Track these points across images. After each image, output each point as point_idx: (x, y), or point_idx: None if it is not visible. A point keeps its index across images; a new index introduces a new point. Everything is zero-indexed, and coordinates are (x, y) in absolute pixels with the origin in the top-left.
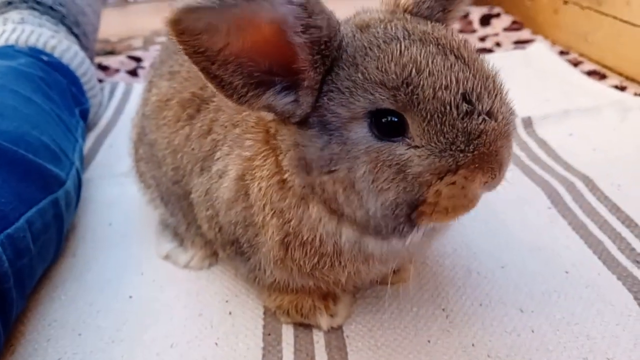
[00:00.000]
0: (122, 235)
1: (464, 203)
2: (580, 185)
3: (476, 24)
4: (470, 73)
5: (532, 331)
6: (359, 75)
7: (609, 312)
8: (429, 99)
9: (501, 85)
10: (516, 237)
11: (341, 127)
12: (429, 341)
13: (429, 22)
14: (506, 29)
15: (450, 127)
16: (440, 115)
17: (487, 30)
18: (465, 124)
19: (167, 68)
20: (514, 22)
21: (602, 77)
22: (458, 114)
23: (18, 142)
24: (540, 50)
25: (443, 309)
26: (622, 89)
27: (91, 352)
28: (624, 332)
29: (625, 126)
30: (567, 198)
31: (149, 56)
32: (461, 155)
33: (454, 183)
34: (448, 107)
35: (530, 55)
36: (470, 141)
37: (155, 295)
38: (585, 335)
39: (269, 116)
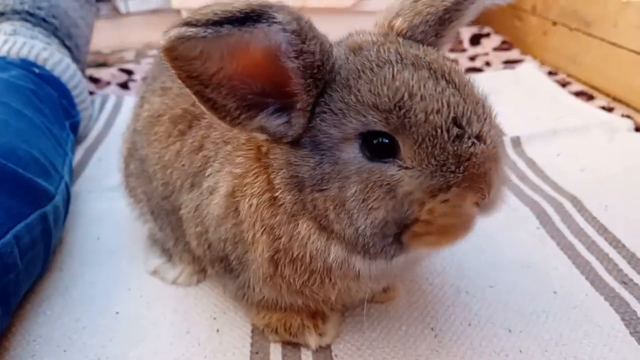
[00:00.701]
0: (110, 250)
1: (459, 222)
2: (568, 205)
3: (466, 43)
4: (460, 97)
5: (520, 352)
6: (352, 97)
7: (597, 334)
8: (420, 123)
9: (490, 109)
10: (505, 256)
11: (333, 147)
12: None
13: (421, 46)
14: (496, 49)
15: (441, 150)
16: (431, 138)
17: (477, 50)
18: (455, 147)
19: (159, 84)
20: (503, 42)
21: (590, 97)
22: (449, 138)
23: (8, 156)
24: (529, 70)
25: (432, 328)
26: (610, 109)
27: None
28: (611, 353)
29: (612, 147)
30: (556, 218)
31: (141, 69)
32: (452, 175)
33: (447, 201)
34: (439, 131)
35: (519, 75)
36: (461, 163)
37: (142, 311)
38: (573, 357)
39: (262, 137)
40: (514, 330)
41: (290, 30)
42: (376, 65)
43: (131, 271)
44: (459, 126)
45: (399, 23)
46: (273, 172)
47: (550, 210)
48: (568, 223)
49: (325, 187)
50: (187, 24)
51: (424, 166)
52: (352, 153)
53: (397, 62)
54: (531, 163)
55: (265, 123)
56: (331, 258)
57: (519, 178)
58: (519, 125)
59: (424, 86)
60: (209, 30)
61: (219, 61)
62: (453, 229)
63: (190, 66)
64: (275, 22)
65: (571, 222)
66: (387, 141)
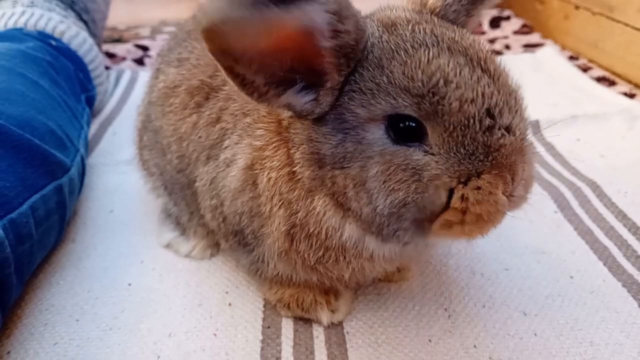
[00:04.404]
0: (123, 223)
1: (496, 208)
2: (587, 190)
3: (486, 26)
4: (495, 88)
5: (535, 335)
6: (384, 78)
7: (613, 319)
8: (454, 111)
9: (522, 101)
10: (521, 240)
11: (358, 126)
12: (430, 341)
13: (456, 28)
14: (516, 32)
15: (472, 140)
16: (463, 127)
17: (497, 33)
18: (486, 138)
19: (175, 55)
20: (524, 26)
21: (612, 83)
22: (480, 128)
23: (24, 127)
24: (550, 54)
25: (445, 309)
26: (631, 96)
27: (88, 339)
28: (628, 339)
29: (633, 134)
30: (574, 203)
31: (156, 45)
32: (480, 164)
33: (479, 188)
34: (472, 121)
35: (540, 59)
36: (489, 153)
37: (154, 284)
38: (588, 342)
39: (287, 114)
40: (528, 314)
41: (330, 10)
42: (411, 46)
43: (144, 244)
44: (491, 117)
45: (432, 0)
46: (293, 146)
47: (568, 194)
48: (586, 208)
49: (346, 166)
50: (231, 3)
51: (451, 154)
52: (377, 134)
53: (433, 45)
54: (550, 147)
55: (292, 100)
56: (345, 236)
57: (537, 162)
58: (539, 110)
59: (460, 73)
60: (253, 11)
61: (254, 37)
62: (488, 216)
63: (224, 43)
64: (316, 2)
65: (589, 207)
66: (414, 125)
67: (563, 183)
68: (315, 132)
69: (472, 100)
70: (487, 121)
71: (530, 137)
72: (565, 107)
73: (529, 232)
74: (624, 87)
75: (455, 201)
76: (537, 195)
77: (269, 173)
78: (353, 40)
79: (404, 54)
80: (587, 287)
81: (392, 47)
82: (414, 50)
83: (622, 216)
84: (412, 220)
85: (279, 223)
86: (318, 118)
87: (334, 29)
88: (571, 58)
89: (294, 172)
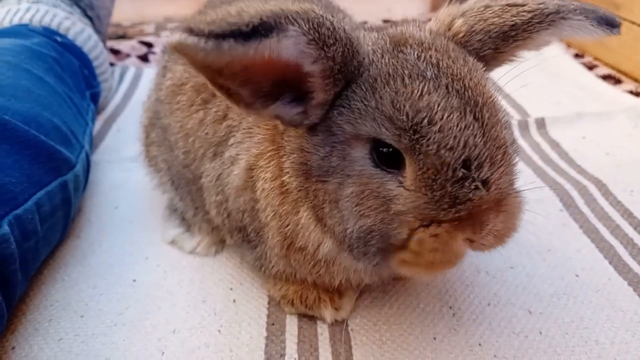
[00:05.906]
0: (128, 220)
1: (448, 258)
2: (592, 188)
3: None
4: (482, 139)
5: (540, 333)
6: (373, 102)
7: (619, 318)
8: (430, 154)
9: (511, 156)
10: (526, 238)
11: (345, 142)
12: (434, 338)
13: (469, 63)
14: None
15: (440, 186)
16: (435, 171)
17: None
18: (454, 189)
19: None
20: None
21: (617, 81)
22: (452, 177)
23: (30, 123)
24: (555, 52)
25: (450, 307)
26: (637, 94)
27: (93, 335)
28: (634, 338)
29: (638, 132)
30: (579, 201)
31: (161, 42)
32: (444, 212)
33: (437, 235)
34: (445, 168)
35: (545, 57)
36: (455, 205)
37: (159, 280)
38: (594, 340)
39: (276, 122)
40: (534, 312)
41: (305, 42)
42: (408, 76)
43: (149, 240)
44: (467, 168)
45: (458, 24)
46: (285, 155)
47: (574, 193)
48: (592, 206)
49: (327, 179)
50: (189, 30)
51: (421, 194)
52: (360, 153)
53: (431, 78)
54: (555, 145)
55: (280, 112)
56: (325, 250)
57: (542, 160)
58: (544, 107)
59: (448, 117)
60: (210, 44)
61: (226, 61)
62: (439, 265)
63: (199, 62)
64: (287, 36)
65: (595, 205)
66: (394, 153)
67: (568, 181)
68: (306, 141)
69: (451, 148)
70: (461, 172)
71: (514, 189)
72: (570, 105)
73: (535, 230)
74: (630, 86)
75: (413, 243)
76: (543, 194)
77: (262, 184)
78: (339, 64)
79: (400, 81)
80: (593, 286)
81: (390, 71)
82: (410, 80)
83: (627, 214)
84: (378, 247)
85: (273, 233)
86: (310, 127)
87: (314, 56)
88: (576, 56)
89: (285, 184)
